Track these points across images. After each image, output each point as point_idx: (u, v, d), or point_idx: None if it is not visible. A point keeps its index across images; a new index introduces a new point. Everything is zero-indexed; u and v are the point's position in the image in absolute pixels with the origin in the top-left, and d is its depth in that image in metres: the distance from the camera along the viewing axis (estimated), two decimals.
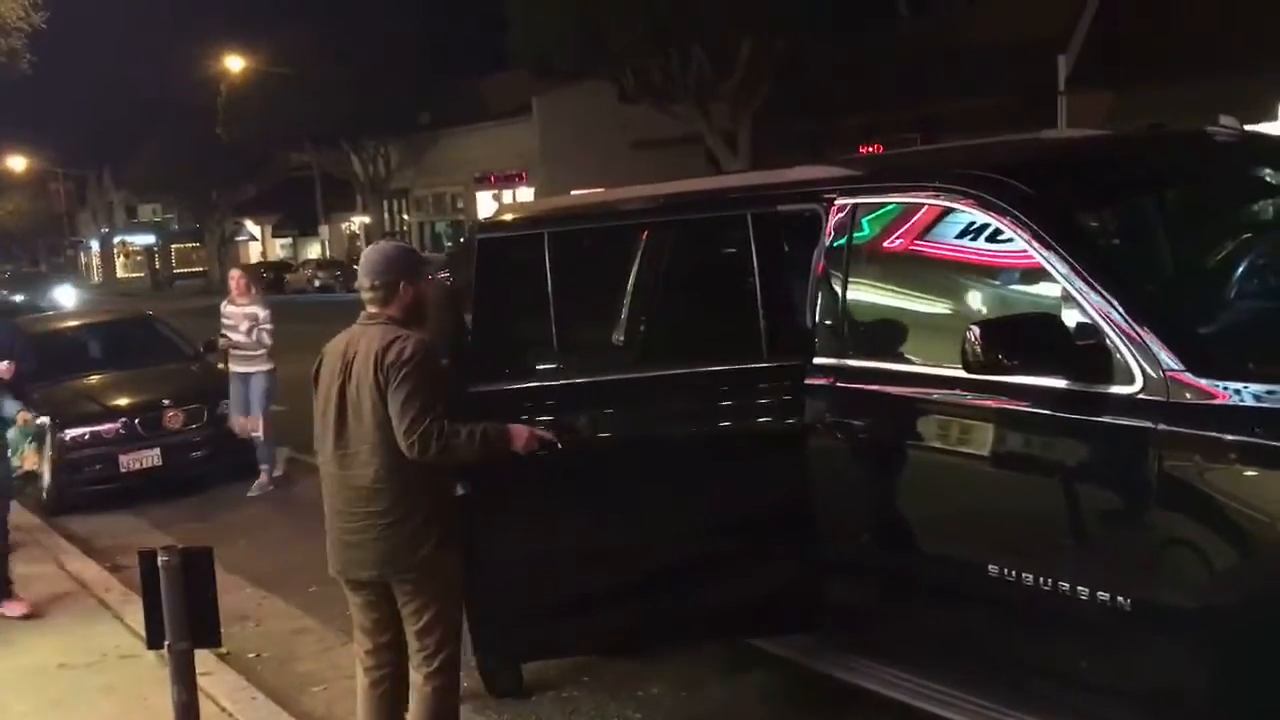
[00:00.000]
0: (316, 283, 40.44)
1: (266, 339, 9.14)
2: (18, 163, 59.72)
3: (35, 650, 5.53)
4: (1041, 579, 3.25)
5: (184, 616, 3.24)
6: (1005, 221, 3.49)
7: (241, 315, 9.20)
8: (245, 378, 9.11)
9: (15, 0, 16.82)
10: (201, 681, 3.77)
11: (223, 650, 4.94)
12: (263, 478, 9.22)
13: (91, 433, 9.16)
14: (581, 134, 33.15)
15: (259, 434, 9.10)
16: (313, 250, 50.85)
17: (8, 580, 6.26)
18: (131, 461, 9.00)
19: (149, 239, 63.44)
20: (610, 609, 4.03)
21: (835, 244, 4.03)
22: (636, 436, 4.09)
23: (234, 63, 39.62)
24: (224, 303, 9.49)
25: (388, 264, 3.77)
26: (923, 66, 23.20)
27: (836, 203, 4.03)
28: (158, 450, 9.20)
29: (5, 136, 56.58)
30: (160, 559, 3.22)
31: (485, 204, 36.55)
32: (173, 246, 62.12)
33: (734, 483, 3.98)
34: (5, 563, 6.26)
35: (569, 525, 4.00)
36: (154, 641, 3.33)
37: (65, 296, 32.52)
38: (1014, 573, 3.32)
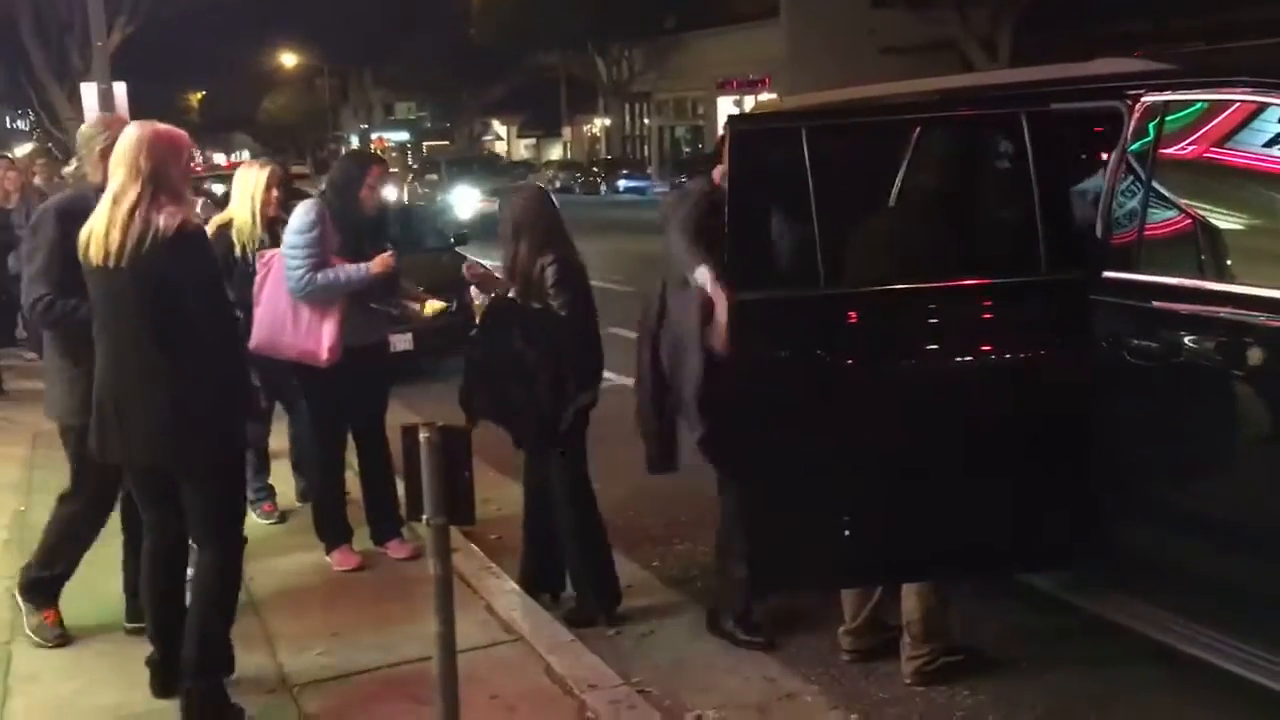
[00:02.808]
0: (557, 183, 41.32)
1: None
2: (289, 59, 63.32)
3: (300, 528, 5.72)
4: None
5: (442, 493, 3.29)
6: None
7: None
8: None
9: None
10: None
11: (469, 528, 5.05)
12: None
13: None
14: (829, 39, 32.11)
15: None
16: (555, 151, 51.83)
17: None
18: (393, 343, 9.32)
19: (403, 136, 66.22)
20: (875, 539, 3.72)
21: (1137, 146, 3.65)
22: (902, 353, 3.74)
23: None
24: None
25: None
26: None
27: (1143, 100, 3.64)
28: (410, 335, 9.51)
29: (279, 34, 60.00)
30: (421, 435, 3.27)
31: (726, 109, 36.13)
32: (424, 144, 64.70)
33: (1006, 406, 3.62)
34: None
35: (832, 447, 3.65)
36: (412, 514, 3.41)
37: (463, 199, 27.96)
38: None
